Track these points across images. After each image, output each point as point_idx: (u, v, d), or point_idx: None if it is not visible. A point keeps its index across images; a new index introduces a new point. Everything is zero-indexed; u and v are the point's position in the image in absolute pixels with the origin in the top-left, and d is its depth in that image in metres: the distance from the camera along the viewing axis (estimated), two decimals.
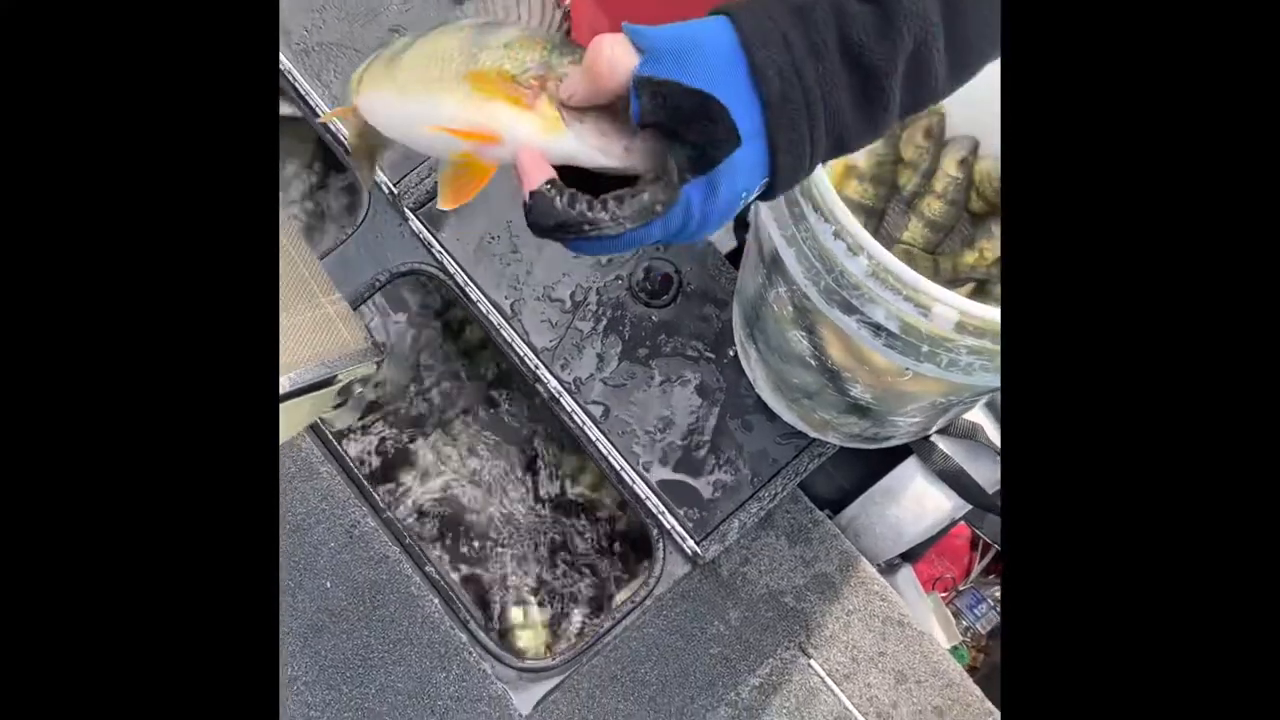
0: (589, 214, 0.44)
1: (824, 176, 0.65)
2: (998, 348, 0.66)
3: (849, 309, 0.71)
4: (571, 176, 0.46)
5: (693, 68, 0.43)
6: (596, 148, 0.46)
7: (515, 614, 1.23)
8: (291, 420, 0.78)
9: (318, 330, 0.64)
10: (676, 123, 0.43)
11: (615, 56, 0.43)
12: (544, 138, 0.46)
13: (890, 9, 0.44)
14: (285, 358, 0.61)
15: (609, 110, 0.46)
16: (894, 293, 0.65)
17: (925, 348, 0.69)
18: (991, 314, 0.63)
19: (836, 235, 0.66)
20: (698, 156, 0.43)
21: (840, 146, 0.46)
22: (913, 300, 0.65)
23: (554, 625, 1.24)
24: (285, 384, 0.61)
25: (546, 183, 0.45)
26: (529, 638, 1.21)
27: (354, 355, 0.65)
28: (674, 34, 0.44)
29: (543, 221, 0.45)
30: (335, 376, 0.64)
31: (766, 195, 0.47)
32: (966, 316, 0.63)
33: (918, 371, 0.72)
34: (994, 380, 0.73)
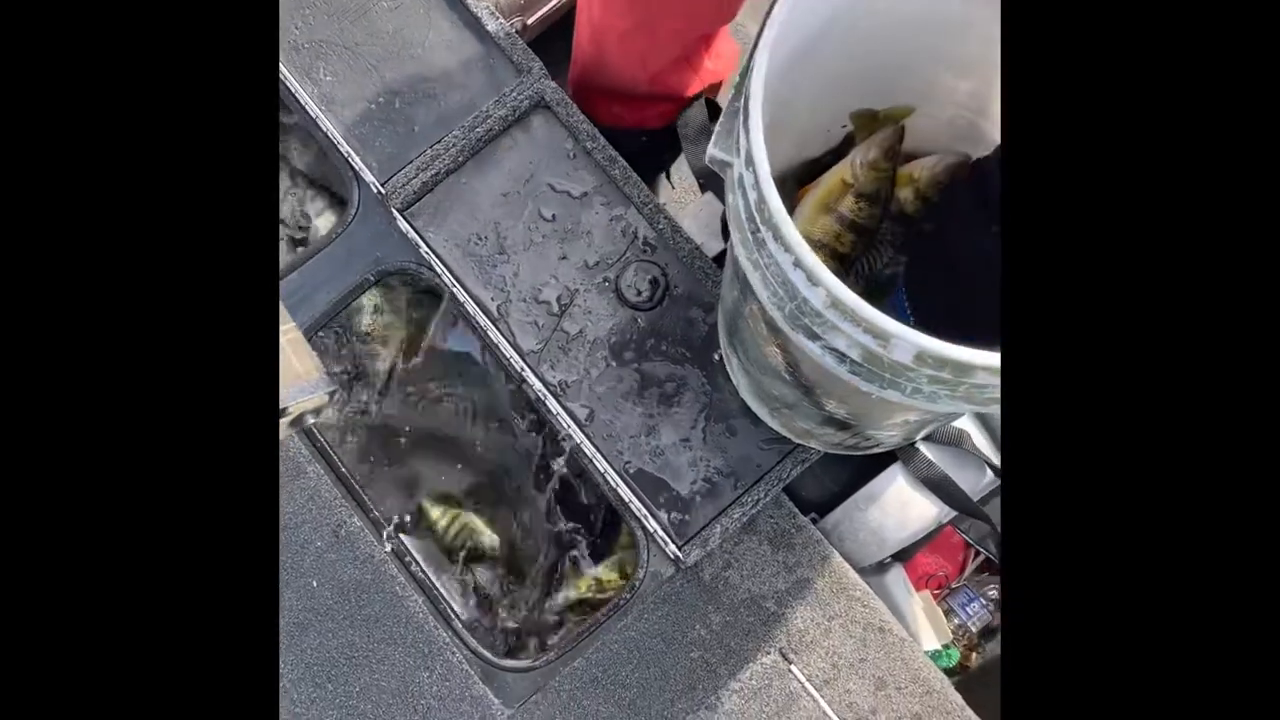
0: None
1: (780, 205, 0.64)
2: (958, 379, 0.65)
3: (812, 335, 0.70)
4: None
5: None
6: None
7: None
8: None
9: None
10: None
11: None
12: None
13: None
14: None
15: None
16: (852, 324, 0.65)
17: (888, 375, 0.69)
18: (948, 349, 0.62)
19: (796, 265, 0.65)
20: None
21: None
22: (871, 333, 0.64)
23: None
24: None
25: None
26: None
27: (304, 386, 0.66)
28: None
29: None
30: (285, 409, 0.65)
31: None
32: (924, 350, 0.63)
33: (882, 397, 0.72)
34: (961, 408, 0.72)
